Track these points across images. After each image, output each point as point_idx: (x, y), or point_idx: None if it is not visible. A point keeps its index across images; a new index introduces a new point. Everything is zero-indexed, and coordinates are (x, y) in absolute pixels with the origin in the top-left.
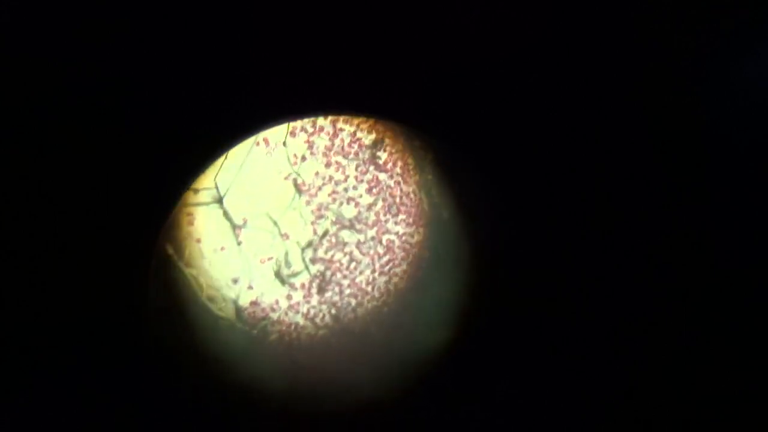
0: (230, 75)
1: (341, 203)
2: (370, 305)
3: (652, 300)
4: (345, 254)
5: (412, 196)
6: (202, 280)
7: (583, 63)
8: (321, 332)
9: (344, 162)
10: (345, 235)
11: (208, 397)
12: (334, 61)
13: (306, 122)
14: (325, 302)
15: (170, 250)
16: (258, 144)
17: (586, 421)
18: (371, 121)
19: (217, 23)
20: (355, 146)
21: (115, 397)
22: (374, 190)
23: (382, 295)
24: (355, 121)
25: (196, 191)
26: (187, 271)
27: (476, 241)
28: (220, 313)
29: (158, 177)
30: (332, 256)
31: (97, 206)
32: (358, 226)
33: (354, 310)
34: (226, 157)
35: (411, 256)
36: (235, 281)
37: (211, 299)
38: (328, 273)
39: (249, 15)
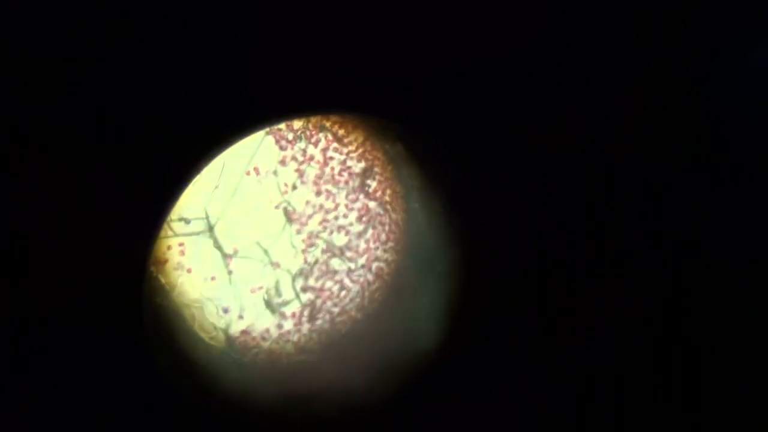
0: (221, 75)
1: (331, 231)
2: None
3: (648, 301)
4: (335, 282)
5: (401, 223)
6: (193, 309)
7: (583, 63)
8: (311, 358)
9: (334, 190)
10: (335, 263)
11: (200, 421)
12: (325, 61)
13: (296, 150)
14: (315, 330)
15: (162, 279)
16: (248, 173)
17: (579, 424)
18: (363, 122)
19: (204, 24)
20: (345, 175)
21: (108, 417)
22: (364, 219)
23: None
24: (346, 147)
25: (187, 221)
26: (179, 300)
27: (464, 245)
28: (212, 342)
29: (144, 190)
30: (323, 284)
31: (90, 206)
32: (348, 254)
33: (337, 325)
34: (216, 187)
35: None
36: (226, 311)
37: (202, 328)
38: (319, 301)
39: (238, 14)
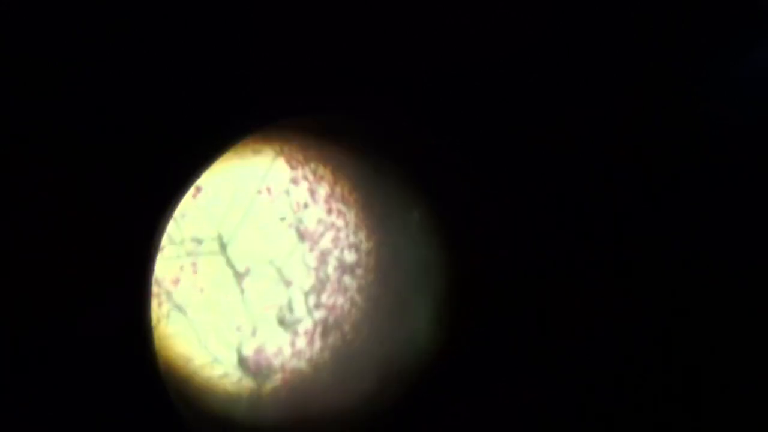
0: (222, 75)
1: (342, 249)
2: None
3: (648, 303)
4: (347, 299)
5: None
6: (205, 328)
7: (583, 63)
8: (323, 375)
9: (344, 209)
10: (347, 280)
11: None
12: (325, 62)
13: (307, 170)
14: (328, 348)
15: (173, 298)
16: (261, 192)
17: (579, 424)
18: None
19: (206, 24)
20: (355, 194)
21: (110, 403)
22: (374, 236)
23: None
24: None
25: (200, 241)
26: (191, 319)
27: (463, 246)
28: (223, 364)
29: (154, 179)
30: (334, 301)
31: (93, 207)
32: (358, 272)
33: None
34: (230, 207)
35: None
36: (239, 329)
37: (214, 348)
38: (331, 318)
39: (240, 14)
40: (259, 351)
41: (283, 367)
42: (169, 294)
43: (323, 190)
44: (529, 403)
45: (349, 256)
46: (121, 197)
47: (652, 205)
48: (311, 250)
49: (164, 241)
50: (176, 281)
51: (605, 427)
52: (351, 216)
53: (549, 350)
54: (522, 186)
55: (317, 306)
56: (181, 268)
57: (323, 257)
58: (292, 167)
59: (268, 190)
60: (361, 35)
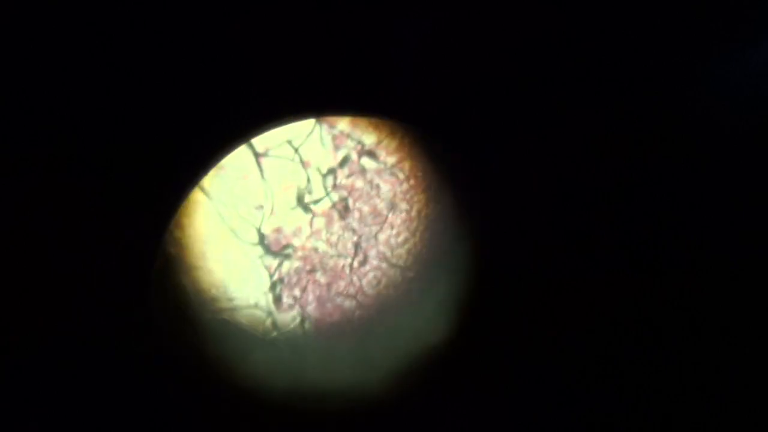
0: (227, 76)
1: (362, 131)
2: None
3: (651, 301)
4: (366, 181)
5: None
6: (205, 279)
7: (583, 63)
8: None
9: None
10: (365, 162)
11: (211, 397)
12: (330, 62)
13: None
14: (346, 228)
15: (173, 250)
16: None
17: (584, 422)
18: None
19: (213, 26)
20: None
21: (120, 397)
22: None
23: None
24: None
25: None
26: (191, 270)
27: (475, 240)
28: (223, 314)
29: (162, 177)
30: (353, 182)
31: (101, 207)
32: (378, 153)
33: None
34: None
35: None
36: (258, 208)
37: (214, 299)
38: (350, 200)
39: (249, 17)
40: (278, 230)
41: (302, 246)
42: (169, 244)
43: None
44: (531, 403)
45: (368, 138)
46: (128, 197)
47: (651, 205)
48: (329, 131)
49: None
50: (177, 229)
51: (606, 427)
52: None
53: (551, 350)
54: (523, 184)
55: (335, 187)
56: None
57: (341, 138)
58: None
59: None
60: (369, 38)
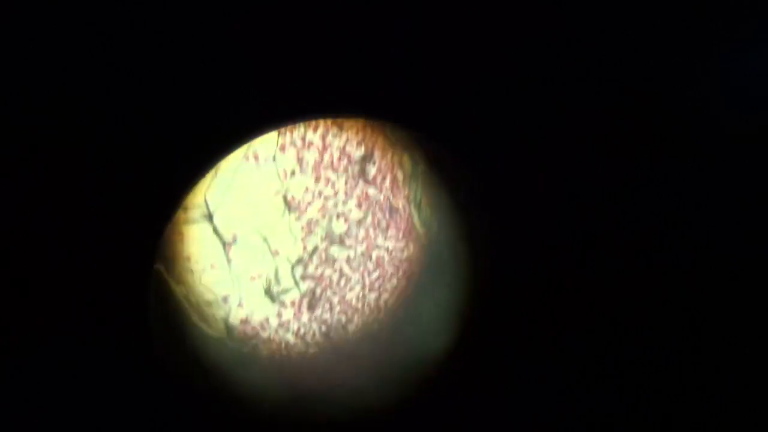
0: (223, 80)
1: (331, 219)
2: (360, 321)
3: (653, 302)
4: (335, 270)
5: (401, 210)
6: (192, 298)
7: (584, 63)
8: (311, 350)
9: (334, 177)
10: (335, 251)
11: (200, 412)
12: (326, 63)
13: (295, 136)
14: (315, 320)
15: (161, 268)
16: (247, 159)
17: (586, 425)
18: (366, 125)
19: (214, 26)
20: (345, 161)
21: (120, 396)
22: (364, 205)
23: (372, 311)
24: (346, 132)
25: (186, 209)
26: (178, 289)
27: (472, 246)
28: (211, 331)
29: (152, 188)
30: (322, 272)
31: (100, 208)
32: (347, 242)
33: (344, 327)
34: (216, 174)
35: (401, 271)
36: (226, 299)
37: (202, 317)
38: (318, 290)
39: (249, 17)
40: (245, 321)
41: (269, 338)
42: (157, 262)
43: (311, 157)
44: (532, 403)
45: (338, 226)
46: (126, 198)
47: (652, 205)
48: (298, 219)
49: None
50: (164, 249)
51: (606, 426)
52: (340, 184)
53: (552, 350)
54: (528, 187)
55: (304, 277)
56: (178, 235)
57: (310, 227)
58: (280, 133)
59: (255, 156)
60: (368, 38)
